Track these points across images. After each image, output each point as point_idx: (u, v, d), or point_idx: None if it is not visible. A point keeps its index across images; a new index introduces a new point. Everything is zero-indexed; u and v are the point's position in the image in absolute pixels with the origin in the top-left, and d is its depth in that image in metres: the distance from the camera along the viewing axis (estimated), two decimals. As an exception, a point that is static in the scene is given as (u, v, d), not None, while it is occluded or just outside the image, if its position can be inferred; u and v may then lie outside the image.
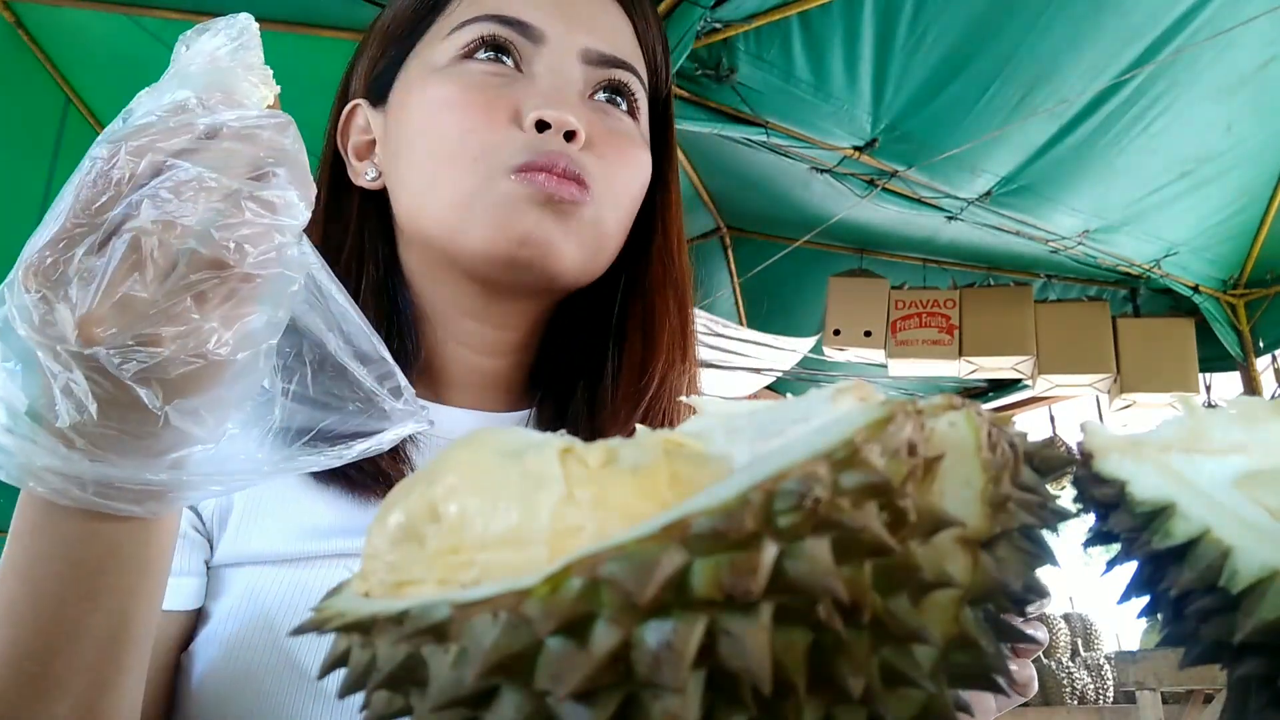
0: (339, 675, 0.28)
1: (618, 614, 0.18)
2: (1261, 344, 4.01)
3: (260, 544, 0.70)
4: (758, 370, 4.65)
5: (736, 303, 4.96)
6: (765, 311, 4.79)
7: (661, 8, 2.87)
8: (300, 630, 0.30)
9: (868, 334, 4.10)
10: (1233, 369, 4.08)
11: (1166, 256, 3.77)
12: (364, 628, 0.27)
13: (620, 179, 0.76)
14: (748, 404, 0.34)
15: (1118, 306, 4.21)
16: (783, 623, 0.19)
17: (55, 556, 0.47)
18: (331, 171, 0.81)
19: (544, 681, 0.18)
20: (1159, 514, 0.30)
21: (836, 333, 4.15)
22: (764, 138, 3.29)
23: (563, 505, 0.22)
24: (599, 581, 0.18)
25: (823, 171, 3.58)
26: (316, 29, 2.75)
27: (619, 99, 0.78)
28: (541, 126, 0.71)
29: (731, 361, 4.49)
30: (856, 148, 3.34)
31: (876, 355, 4.17)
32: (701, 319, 4.35)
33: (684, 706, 0.17)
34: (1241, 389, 4.05)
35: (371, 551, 0.30)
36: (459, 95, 0.72)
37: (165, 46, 0.46)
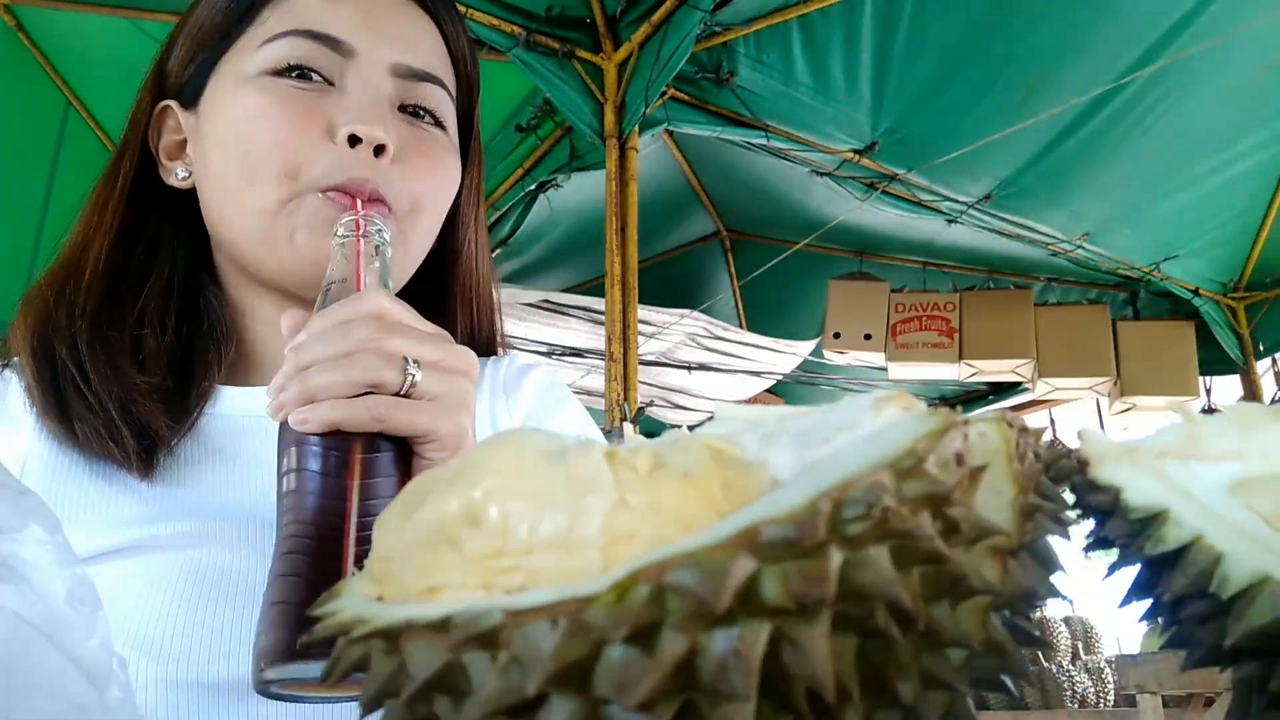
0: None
1: (684, 621, 0.18)
2: (1261, 347, 4.02)
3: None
4: (758, 373, 4.65)
5: (736, 306, 4.97)
6: (765, 315, 4.80)
7: (661, 11, 2.87)
8: (316, 638, 0.29)
9: (868, 337, 4.11)
10: (1233, 372, 4.09)
11: (1166, 259, 3.78)
12: (392, 634, 0.26)
13: (429, 190, 0.78)
14: (769, 409, 0.34)
15: (1118, 309, 4.23)
16: (838, 630, 0.19)
17: None
18: (138, 167, 0.82)
19: (605, 690, 0.18)
20: (1152, 520, 0.31)
21: (836, 336, 4.16)
22: (764, 141, 3.29)
23: (615, 510, 0.22)
24: (665, 589, 0.18)
25: (823, 175, 3.59)
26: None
27: (424, 113, 0.80)
28: (353, 141, 0.72)
29: (731, 365, 4.49)
30: (856, 151, 3.35)
31: (876, 358, 4.18)
32: (701, 322, 4.37)
33: (743, 713, 0.17)
34: (1242, 392, 4.06)
35: (384, 553, 0.29)
36: (271, 107, 0.73)
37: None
